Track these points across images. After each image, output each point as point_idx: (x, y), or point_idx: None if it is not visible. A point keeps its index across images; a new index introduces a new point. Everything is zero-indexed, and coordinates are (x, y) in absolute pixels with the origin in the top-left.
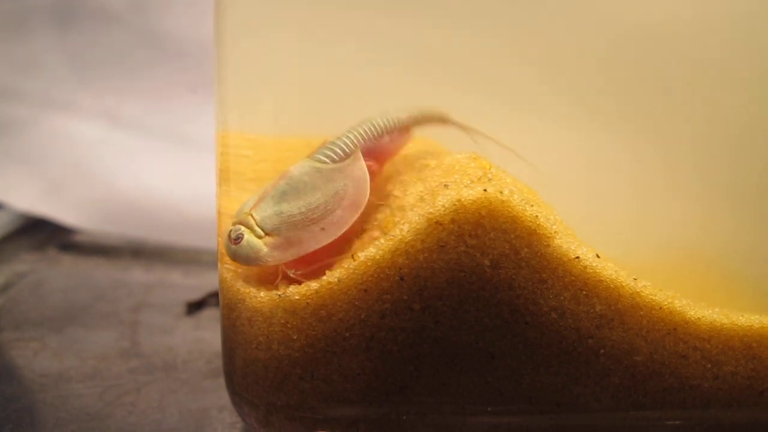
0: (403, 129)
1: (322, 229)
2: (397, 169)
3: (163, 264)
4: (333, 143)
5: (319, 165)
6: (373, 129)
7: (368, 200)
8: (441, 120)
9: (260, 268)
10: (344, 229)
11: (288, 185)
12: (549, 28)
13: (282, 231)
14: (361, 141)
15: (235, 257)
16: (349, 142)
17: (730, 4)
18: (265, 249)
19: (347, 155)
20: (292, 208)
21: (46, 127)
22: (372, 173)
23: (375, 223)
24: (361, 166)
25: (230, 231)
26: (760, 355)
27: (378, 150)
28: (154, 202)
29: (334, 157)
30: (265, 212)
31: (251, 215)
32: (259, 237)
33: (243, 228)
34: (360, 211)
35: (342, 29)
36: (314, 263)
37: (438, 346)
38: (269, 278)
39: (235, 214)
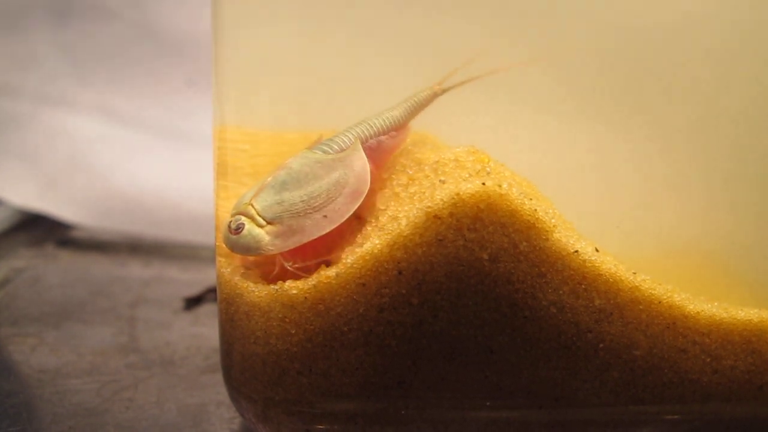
0: (399, 126)
1: (325, 216)
2: (397, 164)
3: (161, 259)
4: (331, 140)
5: (318, 156)
6: (370, 129)
7: (368, 195)
8: (435, 95)
9: (260, 263)
10: (346, 217)
11: (288, 175)
12: (550, 23)
13: (284, 219)
14: (360, 139)
15: (235, 248)
16: (347, 140)
17: (731, 1)
18: (267, 238)
19: (345, 149)
20: (294, 196)
21: (43, 122)
22: (372, 176)
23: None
24: (360, 156)
25: (230, 222)
26: (760, 349)
27: (377, 150)
28: (152, 197)
29: (332, 151)
30: (266, 202)
31: (251, 205)
32: (261, 226)
33: (243, 218)
34: (361, 199)
35: (339, 22)
36: (313, 257)
37: (436, 340)
38: (268, 272)
39: (233, 206)
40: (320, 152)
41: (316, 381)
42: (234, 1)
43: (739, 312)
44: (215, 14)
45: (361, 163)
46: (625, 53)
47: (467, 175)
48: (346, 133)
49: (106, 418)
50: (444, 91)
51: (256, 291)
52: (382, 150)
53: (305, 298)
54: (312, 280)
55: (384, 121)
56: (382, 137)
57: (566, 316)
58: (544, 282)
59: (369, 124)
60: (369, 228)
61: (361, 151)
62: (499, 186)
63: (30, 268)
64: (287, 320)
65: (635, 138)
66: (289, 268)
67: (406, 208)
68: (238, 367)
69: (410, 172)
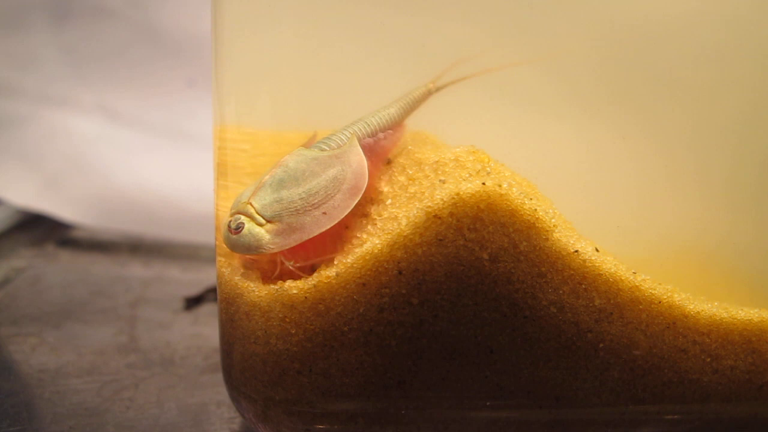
0: (395, 124)
1: (324, 213)
2: (397, 164)
3: (161, 259)
4: (328, 138)
5: (315, 153)
6: (366, 127)
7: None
8: (429, 93)
9: (260, 263)
10: (345, 213)
11: (285, 173)
12: (549, 24)
13: (283, 217)
14: (357, 137)
15: (235, 247)
16: (344, 137)
17: (730, 1)
18: (267, 236)
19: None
20: (292, 194)
21: (44, 122)
22: (369, 173)
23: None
24: (358, 152)
25: (230, 221)
26: (759, 349)
27: (373, 149)
28: (152, 197)
29: (328, 149)
30: (264, 200)
31: (250, 204)
32: (260, 225)
33: (243, 217)
34: (360, 195)
35: (338, 23)
36: (314, 257)
37: (436, 340)
38: (268, 273)
39: (232, 206)
40: (317, 149)
41: (316, 381)
42: (234, 1)
43: (739, 312)
44: (215, 15)
45: (358, 159)
46: (624, 53)
47: (467, 175)
48: (343, 131)
49: (106, 418)
50: (438, 89)
51: (256, 291)
52: (379, 148)
53: (305, 297)
54: (312, 280)
55: (380, 119)
56: (379, 135)
57: (566, 315)
58: (544, 282)
59: (365, 122)
60: (368, 228)
61: (358, 147)
62: (499, 186)
63: (30, 268)
64: (287, 320)
65: (635, 138)
66: (291, 267)
67: (406, 208)
68: (238, 367)
69: (410, 172)
